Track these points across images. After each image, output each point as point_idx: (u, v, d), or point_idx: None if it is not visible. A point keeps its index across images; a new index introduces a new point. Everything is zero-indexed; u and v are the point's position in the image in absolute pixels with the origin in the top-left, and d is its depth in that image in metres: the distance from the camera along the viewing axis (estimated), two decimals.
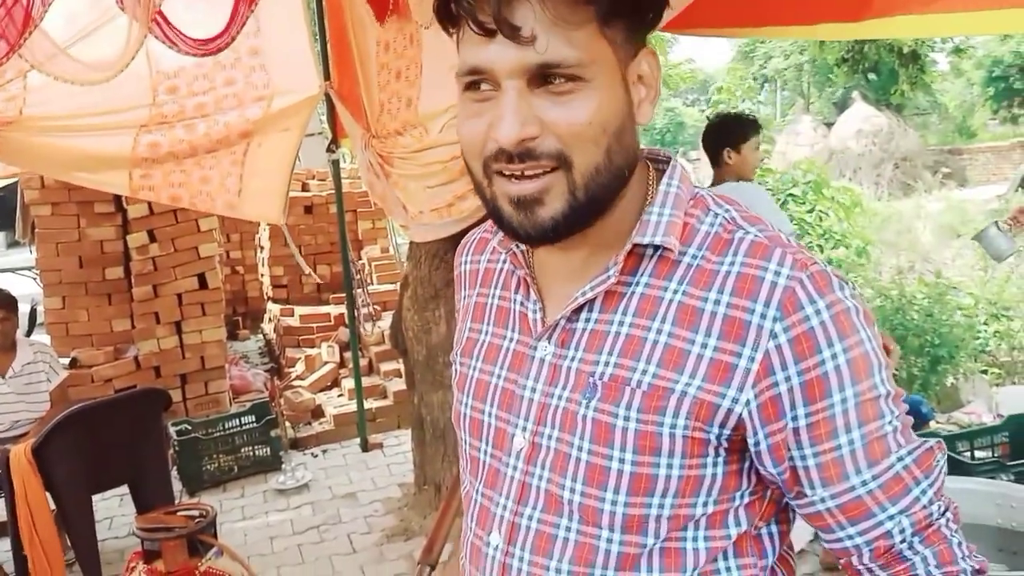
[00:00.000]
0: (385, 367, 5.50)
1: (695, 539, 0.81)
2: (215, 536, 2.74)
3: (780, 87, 27.76)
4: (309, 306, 6.76)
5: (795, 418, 0.76)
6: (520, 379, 0.87)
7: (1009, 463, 3.02)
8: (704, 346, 0.77)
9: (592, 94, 0.74)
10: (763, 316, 0.75)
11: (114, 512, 4.21)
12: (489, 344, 0.92)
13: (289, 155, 3.85)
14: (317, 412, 5.30)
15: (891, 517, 0.78)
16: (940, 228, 9.75)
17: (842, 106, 20.90)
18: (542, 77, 0.73)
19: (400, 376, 5.04)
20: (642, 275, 0.82)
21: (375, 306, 6.17)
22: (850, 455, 0.77)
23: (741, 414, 0.77)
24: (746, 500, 0.82)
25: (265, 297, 7.71)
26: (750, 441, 0.78)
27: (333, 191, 5.14)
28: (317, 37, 4.03)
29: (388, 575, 3.44)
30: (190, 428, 4.53)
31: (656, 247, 0.81)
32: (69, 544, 3.42)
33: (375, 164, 3.41)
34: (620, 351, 0.80)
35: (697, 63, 22.69)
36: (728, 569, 0.82)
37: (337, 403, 5.42)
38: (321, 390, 5.66)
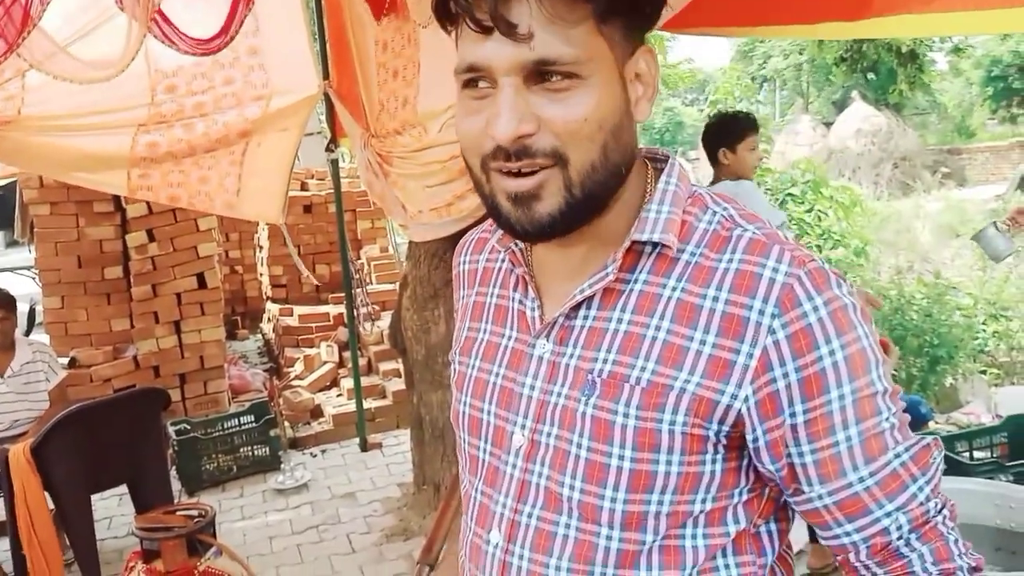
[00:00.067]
0: (384, 367, 5.50)
1: (694, 536, 0.81)
2: (214, 536, 2.74)
3: (779, 87, 27.78)
4: (308, 306, 6.76)
5: (793, 414, 0.76)
6: (519, 377, 0.87)
7: (1008, 463, 3.02)
8: (703, 343, 0.77)
9: (589, 91, 0.74)
10: (761, 312, 0.75)
11: (113, 512, 4.21)
12: (488, 342, 0.92)
13: (288, 155, 3.84)
14: (316, 412, 5.30)
15: (888, 514, 0.78)
16: (939, 228, 9.76)
17: (841, 106, 20.91)
18: (539, 74, 0.73)
19: (399, 376, 5.04)
20: (641, 272, 0.82)
21: (374, 306, 6.17)
22: (847, 452, 0.77)
23: (740, 410, 0.77)
24: (745, 497, 0.82)
25: (264, 297, 7.71)
26: (748, 437, 0.79)
27: (332, 190, 5.13)
28: (316, 36, 4.03)
29: (387, 575, 3.45)
30: (189, 428, 4.53)
31: (655, 244, 0.81)
32: (68, 544, 3.42)
33: (374, 163, 3.41)
34: (619, 348, 0.80)
35: (696, 63, 22.67)
36: (727, 567, 0.82)
37: (336, 403, 5.42)
38: (320, 390, 5.66)
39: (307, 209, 7.27)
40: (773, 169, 9.40)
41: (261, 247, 7.72)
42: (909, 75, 17.13)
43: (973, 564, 0.80)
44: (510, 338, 0.90)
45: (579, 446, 0.81)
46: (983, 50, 20.74)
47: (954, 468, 2.89)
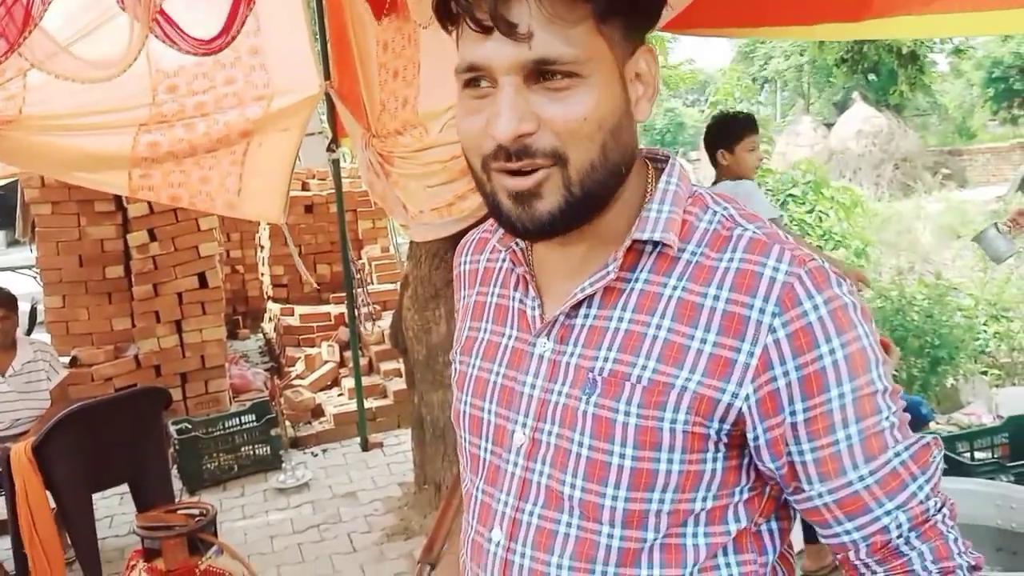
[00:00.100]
0: (385, 366, 5.50)
1: (695, 535, 0.81)
2: (215, 535, 2.75)
3: (780, 88, 27.76)
4: (309, 305, 6.76)
5: (793, 413, 0.77)
6: (519, 376, 0.87)
7: (1009, 464, 3.02)
8: (704, 341, 0.77)
9: (589, 91, 0.75)
10: (762, 311, 0.76)
11: (114, 510, 4.21)
12: (488, 342, 0.93)
13: (289, 155, 3.85)
14: (317, 411, 5.30)
15: (888, 512, 0.78)
16: (940, 229, 9.76)
17: (842, 107, 20.91)
18: (539, 74, 0.74)
19: (400, 375, 5.05)
20: (641, 271, 0.82)
21: (375, 305, 6.17)
22: (847, 450, 0.77)
23: (741, 409, 0.77)
24: (745, 496, 0.82)
25: (265, 296, 7.72)
26: (749, 436, 0.79)
27: (333, 190, 5.14)
28: (317, 36, 4.04)
29: (388, 574, 3.45)
30: (190, 427, 4.54)
31: (655, 243, 0.81)
32: (69, 542, 3.42)
33: (375, 163, 3.41)
34: (620, 347, 0.80)
35: (697, 63, 22.67)
36: (728, 565, 0.83)
37: (337, 402, 5.42)
38: (321, 389, 5.67)
39: (308, 209, 7.28)
40: (774, 170, 9.40)
41: (262, 247, 7.72)
42: (910, 76, 17.13)
43: (972, 562, 0.80)
44: (511, 337, 0.90)
45: (580, 444, 0.81)
46: (984, 51, 20.73)
47: (955, 469, 2.89)
